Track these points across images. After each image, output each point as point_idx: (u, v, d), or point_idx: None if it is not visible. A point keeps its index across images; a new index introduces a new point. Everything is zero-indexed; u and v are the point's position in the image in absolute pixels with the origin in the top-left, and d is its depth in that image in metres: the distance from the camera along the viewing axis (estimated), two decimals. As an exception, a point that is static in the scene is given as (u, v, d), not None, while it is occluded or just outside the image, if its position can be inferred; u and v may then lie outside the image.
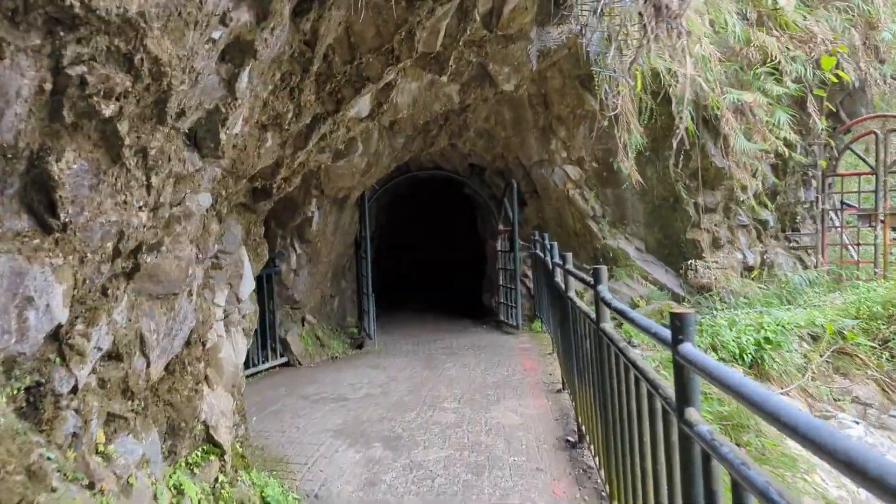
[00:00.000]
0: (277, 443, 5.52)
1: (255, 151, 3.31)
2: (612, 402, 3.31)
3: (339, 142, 4.61)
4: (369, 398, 7.12)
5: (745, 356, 8.38)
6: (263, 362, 8.95)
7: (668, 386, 2.23)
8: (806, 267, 13.22)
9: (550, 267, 7.28)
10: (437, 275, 18.67)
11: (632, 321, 2.47)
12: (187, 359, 3.27)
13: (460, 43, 5.86)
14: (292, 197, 9.28)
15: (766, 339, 8.63)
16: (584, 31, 6.74)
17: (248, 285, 4.28)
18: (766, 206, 12.01)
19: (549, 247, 8.54)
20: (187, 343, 3.25)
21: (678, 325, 1.93)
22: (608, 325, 3.48)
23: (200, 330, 3.33)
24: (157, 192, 2.30)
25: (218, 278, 3.73)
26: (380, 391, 7.43)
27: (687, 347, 1.89)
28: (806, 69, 9.35)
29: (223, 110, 2.57)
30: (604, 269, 3.65)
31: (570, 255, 5.39)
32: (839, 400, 8.62)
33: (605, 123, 10.41)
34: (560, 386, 7.06)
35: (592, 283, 3.63)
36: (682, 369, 1.92)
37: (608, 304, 3.13)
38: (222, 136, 2.60)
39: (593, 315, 3.75)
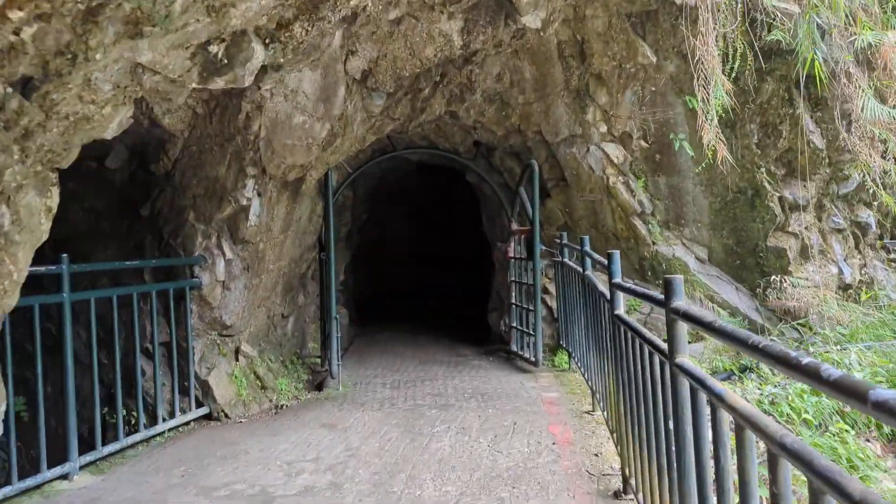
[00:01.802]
0: None
1: None
2: None
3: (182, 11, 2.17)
4: (307, 497, 4.59)
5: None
6: (168, 418, 6.42)
7: None
8: (910, 285, 10.68)
9: (606, 293, 4.75)
10: (432, 281, 16.12)
11: None
12: None
13: None
14: (217, 176, 6.77)
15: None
16: None
17: None
18: (867, 205, 9.49)
19: (592, 256, 6.05)
20: None
21: None
22: None
23: None
24: None
25: None
26: (328, 482, 4.89)
27: None
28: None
29: None
30: None
31: (679, 284, 2.84)
32: None
33: (663, 82, 7.90)
34: (619, 484, 4.52)
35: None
36: None
37: None
38: None
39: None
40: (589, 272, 6.28)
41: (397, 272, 15.65)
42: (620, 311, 4.39)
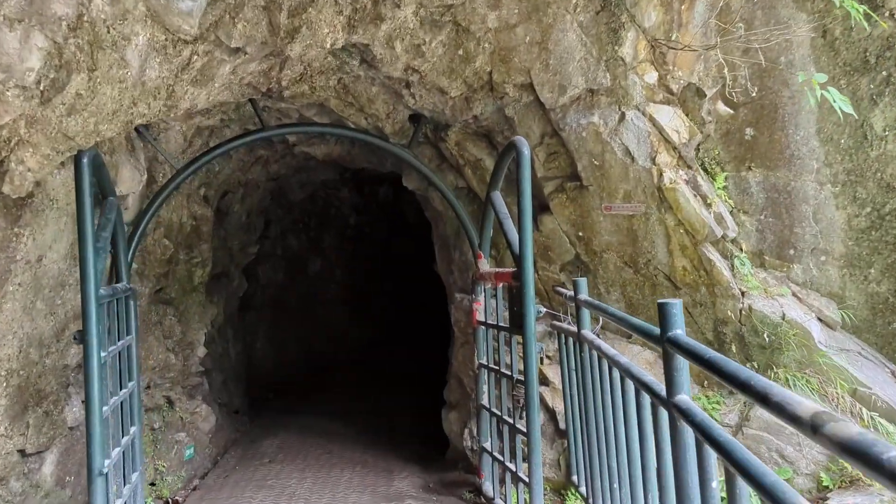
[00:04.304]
0: None
1: None
2: None
3: None
4: None
5: None
6: None
7: None
8: None
9: None
10: (376, 344, 12.13)
11: None
12: None
13: None
14: None
15: None
16: None
17: None
18: None
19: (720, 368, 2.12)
20: None
21: None
22: None
23: None
24: None
25: None
26: None
27: None
28: None
29: None
30: None
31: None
32: None
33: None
34: None
35: None
36: None
37: None
38: None
39: None
40: (684, 398, 2.44)
41: (320, 332, 11.56)
42: None
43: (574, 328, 4.53)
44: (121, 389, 4.66)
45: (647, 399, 3.01)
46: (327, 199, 10.89)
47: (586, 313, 4.38)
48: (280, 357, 10.34)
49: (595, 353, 3.98)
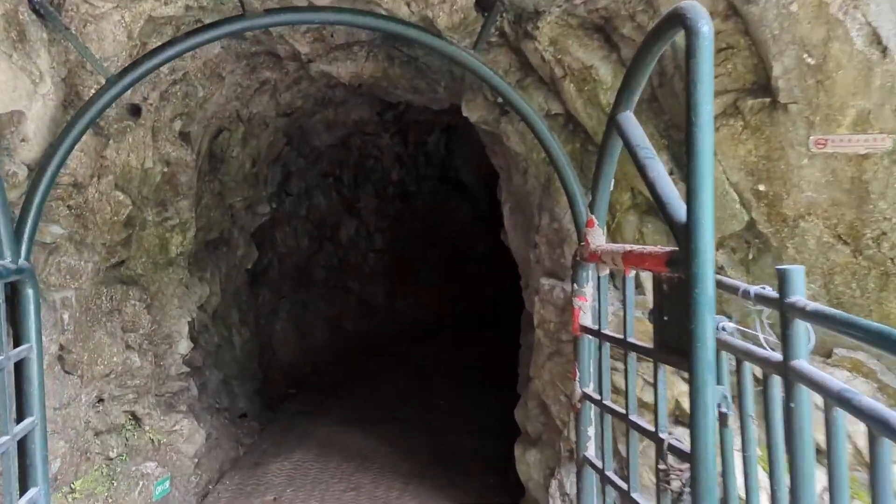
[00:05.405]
0: None
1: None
2: None
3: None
4: None
5: None
6: None
7: None
8: None
9: None
10: (432, 327, 10.29)
11: None
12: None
13: None
14: None
15: None
16: None
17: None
18: None
19: None
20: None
21: None
22: None
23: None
24: None
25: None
26: None
27: None
28: None
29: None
30: None
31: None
32: None
33: None
34: None
35: None
36: None
37: None
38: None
39: None
40: None
41: (354, 312, 9.72)
42: None
43: (774, 355, 2.54)
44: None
45: None
46: (364, 148, 9.01)
47: (802, 330, 2.38)
48: (304, 343, 8.54)
49: (840, 414, 2.00)
